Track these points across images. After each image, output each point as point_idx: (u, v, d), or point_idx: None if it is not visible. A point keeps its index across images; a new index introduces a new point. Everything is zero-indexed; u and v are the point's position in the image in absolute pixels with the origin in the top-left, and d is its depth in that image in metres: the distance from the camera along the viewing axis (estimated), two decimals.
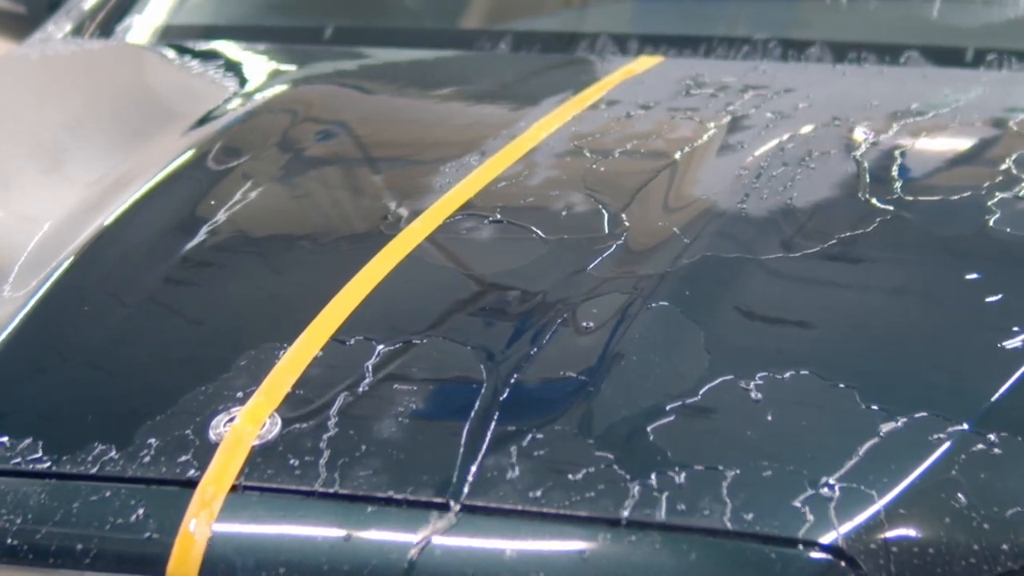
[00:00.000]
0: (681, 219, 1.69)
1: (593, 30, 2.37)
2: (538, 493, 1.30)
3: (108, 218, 1.76)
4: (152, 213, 1.79)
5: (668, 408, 1.38)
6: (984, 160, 1.92)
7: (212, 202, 1.79)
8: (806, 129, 1.92)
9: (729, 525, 1.27)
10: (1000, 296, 1.55)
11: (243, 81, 2.32)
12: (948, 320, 1.55)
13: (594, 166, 1.84)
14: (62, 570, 1.32)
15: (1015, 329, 1.48)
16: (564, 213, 1.72)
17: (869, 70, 2.22)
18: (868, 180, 1.77)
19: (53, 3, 2.72)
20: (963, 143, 1.97)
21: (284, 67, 2.41)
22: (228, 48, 2.47)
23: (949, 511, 1.30)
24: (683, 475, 1.30)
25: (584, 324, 1.50)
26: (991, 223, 1.66)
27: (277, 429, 1.37)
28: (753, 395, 1.39)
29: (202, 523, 1.31)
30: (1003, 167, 1.81)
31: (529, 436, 1.35)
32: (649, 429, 1.35)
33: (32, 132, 2.15)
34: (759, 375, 1.41)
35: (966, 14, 2.39)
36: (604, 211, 1.71)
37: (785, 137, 1.89)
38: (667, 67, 2.22)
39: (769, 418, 1.36)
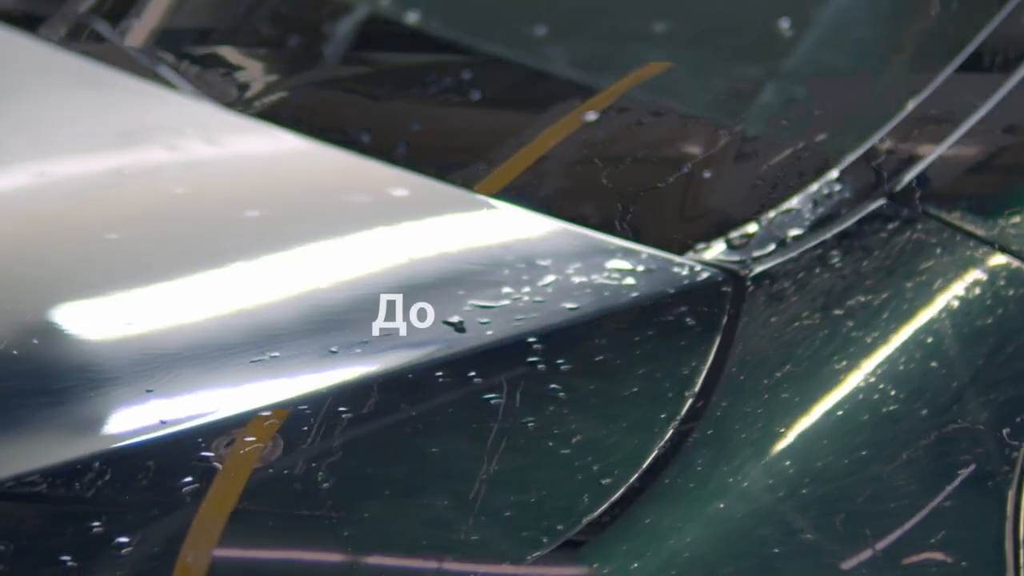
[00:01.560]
0: (697, 229, 1.65)
1: (600, 35, 2.32)
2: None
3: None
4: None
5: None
6: (1015, 166, 1.89)
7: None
8: (822, 136, 1.87)
9: None
10: None
11: (243, 86, 2.28)
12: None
13: (605, 175, 1.79)
14: None
15: None
16: (575, 223, 1.67)
17: None
18: (888, 189, 1.73)
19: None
20: (984, 150, 1.93)
21: (282, 71, 2.37)
22: (229, 52, 2.43)
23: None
24: None
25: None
26: None
27: (279, 451, 1.33)
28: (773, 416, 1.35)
29: (201, 549, 1.27)
30: None
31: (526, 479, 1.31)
32: None
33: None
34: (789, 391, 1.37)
35: None
36: (616, 222, 1.66)
37: (801, 146, 1.84)
38: (677, 72, 2.18)
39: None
